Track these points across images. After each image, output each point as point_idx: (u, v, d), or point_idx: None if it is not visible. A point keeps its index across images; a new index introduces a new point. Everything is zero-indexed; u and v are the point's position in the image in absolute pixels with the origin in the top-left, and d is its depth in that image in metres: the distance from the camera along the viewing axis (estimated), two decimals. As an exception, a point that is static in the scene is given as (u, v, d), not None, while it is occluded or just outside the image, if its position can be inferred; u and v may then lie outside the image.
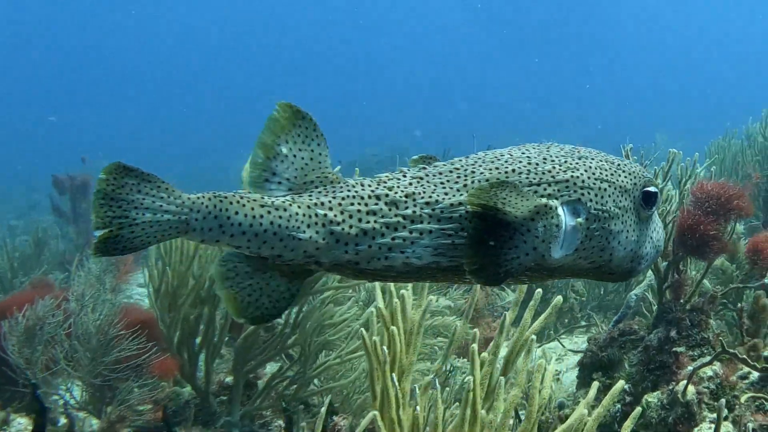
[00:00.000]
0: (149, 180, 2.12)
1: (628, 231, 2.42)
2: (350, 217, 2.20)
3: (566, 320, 8.81)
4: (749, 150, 12.03)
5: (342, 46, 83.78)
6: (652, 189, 2.47)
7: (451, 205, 2.23)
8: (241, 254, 2.24)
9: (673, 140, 20.35)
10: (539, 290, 3.49)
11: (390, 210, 2.22)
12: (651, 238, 2.53)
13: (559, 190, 2.31)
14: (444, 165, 2.39)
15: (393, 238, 2.20)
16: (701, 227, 4.76)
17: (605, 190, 2.37)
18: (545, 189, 2.30)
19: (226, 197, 2.16)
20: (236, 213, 2.15)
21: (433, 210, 2.23)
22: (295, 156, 2.27)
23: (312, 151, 2.30)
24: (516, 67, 73.05)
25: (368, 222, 2.20)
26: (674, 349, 4.74)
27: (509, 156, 2.40)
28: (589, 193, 2.34)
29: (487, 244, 2.16)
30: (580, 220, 2.30)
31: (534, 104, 56.15)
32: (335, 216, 2.20)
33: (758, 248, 5.19)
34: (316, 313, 5.94)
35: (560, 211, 2.28)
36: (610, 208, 2.36)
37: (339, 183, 2.29)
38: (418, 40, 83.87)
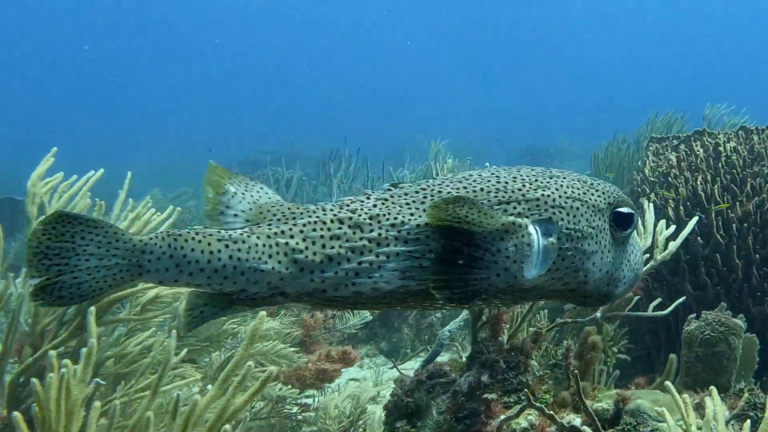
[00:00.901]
0: (94, 225, 2.03)
1: (603, 252, 2.37)
2: (313, 243, 2.14)
3: (426, 337, 8.18)
4: (637, 154, 11.71)
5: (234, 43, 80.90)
6: (624, 209, 2.43)
7: (417, 225, 2.17)
8: (205, 296, 2.14)
9: (573, 140, 20.17)
10: (250, 363, 2.77)
11: (354, 233, 2.16)
12: (628, 260, 2.49)
13: (529, 209, 2.27)
14: (410, 186, 2.33)
15: (359, 263, 2.14)
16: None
17: (577, 209, 2.33)
18: (515, 207, 2.26)
19: (180, 235, 2.08)
20: (192, 250, 2.07)
21: (399, 231, 2.17)
22: (243, 194, 2.26)
23: (257, 192, 2.29)
24: (422, 71, 72.60)
25: (332, 247, 2.14)
26: (485, 395, 4.12)
27: (478, 176, 2.36)
28: (560, 212, 2.29)
29: (454, 262, 2.10)
30: (552, 239, 2.25)
31: (435, 105, 55.58)
32: (297, 244, 2.14)
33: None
34: (109, 342, 5.16)
35: (531, 229, 2.24)
36: (583, 227, 2.32)
37: (299, 210, 2.22)
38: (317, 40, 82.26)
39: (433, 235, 2.14)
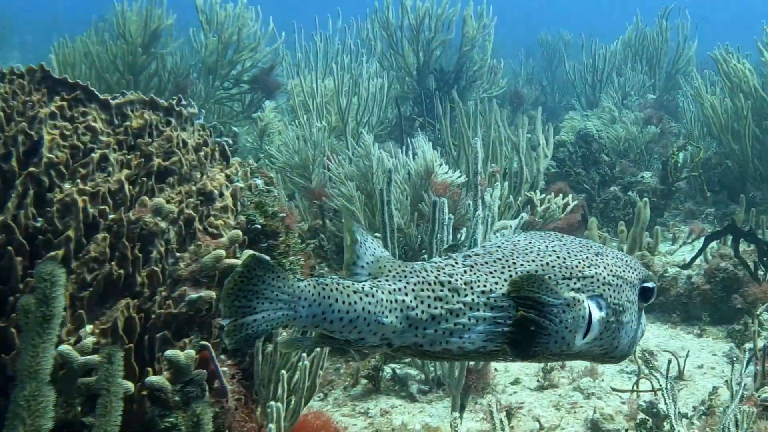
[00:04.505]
0: (272, 270, 2.10)
1: (632, 321, 2.58)
2: (422, 302, 2.26)
3: None
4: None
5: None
6: (650, 284, 2.64)
7: (503, 294, 2.33)
8: (325, 337, 2.21)
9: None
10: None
11: (453, 296, 2.30)
12: (641, 323, 2.69)
13: (585, 285, 2.44)
14: (484, 254, 2.46)
15: (455, 324, 2.28)
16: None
17: (620, 286, 2.53)
18: (575, 283, 2.43)
19: (327, 285, 2.16)
20: (336, 300, 2.16)
21: (488, 298, 2.32)
22: (366, 245, 2.30)
23: (371, 243, 2.32)
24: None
25: (436, 308, 2.27)
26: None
27: (538, 249, 2.50)
28: (609, 289, 2.49)
29: (528, 329, 2.28)
30: (602, 314, 2.44)
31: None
32: (411, 301, 2.26)
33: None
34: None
35: (586, 304, 2.42)
36: (624, 302, 2.53)
37: (408, 269, 2.33)
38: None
39: (513, 305, 2.31)
